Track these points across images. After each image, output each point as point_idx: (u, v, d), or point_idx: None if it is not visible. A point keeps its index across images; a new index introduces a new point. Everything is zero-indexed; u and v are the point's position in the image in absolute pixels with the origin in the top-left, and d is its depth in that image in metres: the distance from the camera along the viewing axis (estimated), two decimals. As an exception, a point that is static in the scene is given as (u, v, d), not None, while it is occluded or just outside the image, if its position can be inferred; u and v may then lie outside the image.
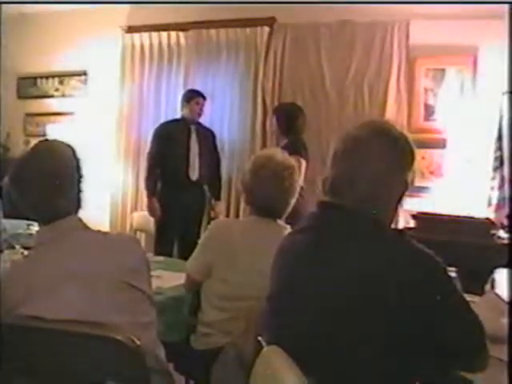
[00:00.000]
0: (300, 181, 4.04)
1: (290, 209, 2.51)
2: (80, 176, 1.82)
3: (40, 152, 1.81)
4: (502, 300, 2.26)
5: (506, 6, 4.11)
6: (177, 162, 4.89)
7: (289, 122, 4.61)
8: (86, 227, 1.81)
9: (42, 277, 1.66)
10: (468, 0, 4.38)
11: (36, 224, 3.29)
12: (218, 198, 5.21)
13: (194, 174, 4.92)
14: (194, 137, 4.98)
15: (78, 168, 1.82)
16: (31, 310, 1.61)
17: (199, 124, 5.10)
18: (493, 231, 3.89)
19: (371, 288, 1.38)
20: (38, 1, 5.89)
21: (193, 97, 5.02)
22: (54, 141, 1.88)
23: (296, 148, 4.26)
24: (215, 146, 5.20)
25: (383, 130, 1.58)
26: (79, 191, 1.82)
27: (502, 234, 3.97)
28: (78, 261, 1.69)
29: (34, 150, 1.81)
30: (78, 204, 1.82)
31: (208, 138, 5.11)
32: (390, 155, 1.53)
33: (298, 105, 4.84)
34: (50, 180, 1.73)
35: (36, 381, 1.60)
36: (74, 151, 1.83)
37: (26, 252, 2.85)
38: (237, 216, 5.38)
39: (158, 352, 1.80)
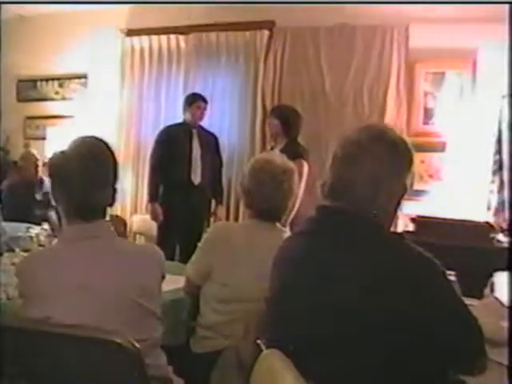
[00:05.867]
0: (302, 184, 4.06)
1: (288, 212, 2.51)
2: (116, 178, 1.84)
3: (84, 146, 1.85)
4: (502, 304, 2.26)
5: (506, 10, 4.11)
6: (179, 165, 4.88)
7: (289, 124, 4.63)
8: (113, 234, 1.83)
9: (58, 276, 1.69)
10: (468, 0, 4.39)
11: (35, 227, 3.30)
12: (220, 202, 5.20)
13: (197, 178, 4.92)
14: (196, 141, 4.97)
15: (116, 169, 1.84)
16: (40, 308, 1.64)
17: (201, 128, 5.10)
18: (492, 235, 3.89)
19: (370, 291, 1.38)
20: (38, 1, 5.86)
21: (194, 101, 5.01)
22: (97, 138, 1.91)
23: (298, 151, 4.31)
24: (218, 150, 5.19)
25: (382, 133, 1.58)
26: (114, 192, 1.85)
27: (502, 237, 3.97)
28: (95, 270, 1.71)
29: (77, 144, 1.85)
30: (111, 203, 1.85)
31: (210, 141, 5.10)
32: (388, 159, 1.54)
33: (294, 107, 4.84)
34: (90, 174, 1.76)
35: (36, 384, 1.60)
36: (112, 151, 1.87)
37: (25, 255, 2.85)
38: (236, 219, 5.38)
39: (160, 362, 1.81)
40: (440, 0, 4.58)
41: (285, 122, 4.63)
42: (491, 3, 4.32)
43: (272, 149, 4.71)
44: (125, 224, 5.58)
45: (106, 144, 1.88)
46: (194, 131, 5.00)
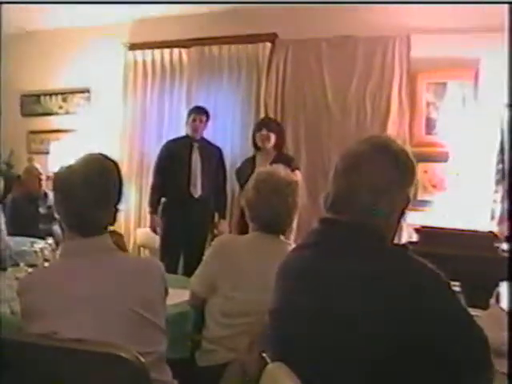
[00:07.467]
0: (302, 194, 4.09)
1: (292, 224, 2.51)
2: (120, 198, 1.84)
3: (91, 163, 1.84)
4: (507, 313, 2.25)
5: (507, 19, 4.11)
6: (178, 179, 4.90)
7: (283, 138, 4.78)
8: (114, 249, 1.83)
9: (59, 292, 1.69)
10: (468, 0, 4.40)
11: (40, 241, 3.31)
12: (222, 217, 5.18)
13: (197, 191, 4.92)
14: (196, 153, 4.98)
15: (120, 190, 1.84)
16: (43, 325, 1.64)
17: (205, 141, 5.11)
18: (496, 244, 3.87)
19: (374, 304, 1.38)
20: (38, 1, 5.79)
21: (190, 113, 5.07)
22: (105, 156, 1.90)
23: (294, 162, 4.39)
24: (222, 163, 5.19)
25: (384, 145, 1.58)
26: (116, 211, 1.85)
27: (506, 246, 3.96)
28: (97, 284, 1.71)
29: (84, 160, 1.84)
30: (112, 222, 1.85)
31: (213, 154, 5.10)
32: (390, 171, 1.54)
33: None
34: (94, 191, 1.76)
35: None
36: (119, 171, 1.86)
37: (30, 270, 2.85)
38: (239, 233, 5.36)
39: (165, 376, 1.81)
40: (440, 0, 4.59)
41: (280, 136, 4.71)
42: (491, 3, 4.32)
43: (254, 158, 4.75)
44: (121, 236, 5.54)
45: (114, 163, 1.87)
46: (195, 144, 5.01)
